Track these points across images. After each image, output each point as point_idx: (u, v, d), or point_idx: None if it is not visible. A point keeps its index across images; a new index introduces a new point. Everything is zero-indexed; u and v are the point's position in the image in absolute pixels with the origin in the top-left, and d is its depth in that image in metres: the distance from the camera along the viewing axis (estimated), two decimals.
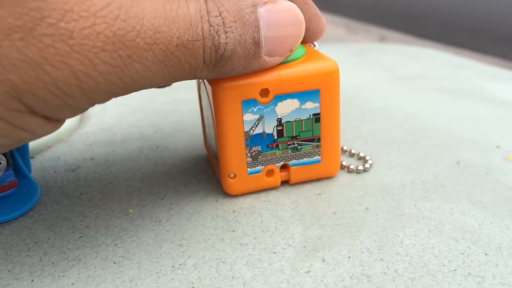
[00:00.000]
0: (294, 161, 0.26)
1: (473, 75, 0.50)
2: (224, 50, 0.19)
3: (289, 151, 0.26)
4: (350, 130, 0.33)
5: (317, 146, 0.26)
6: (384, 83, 0.45)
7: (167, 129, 0.35)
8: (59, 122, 0.19)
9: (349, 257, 0.21)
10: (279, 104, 0.24)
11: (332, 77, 0.24)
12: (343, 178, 0.27)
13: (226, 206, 0.25)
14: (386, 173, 0.28)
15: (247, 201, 0.25)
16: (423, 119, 0.35)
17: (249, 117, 0.24)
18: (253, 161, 0.25)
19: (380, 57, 0.58)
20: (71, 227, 0.24)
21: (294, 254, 0.21)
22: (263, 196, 0.26)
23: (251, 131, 0.24)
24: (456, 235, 0.22)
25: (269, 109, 0.24)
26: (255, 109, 0.24)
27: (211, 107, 0.25)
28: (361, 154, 0.29)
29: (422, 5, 3.51)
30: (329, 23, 2.92)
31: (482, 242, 0.21)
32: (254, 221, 0.24)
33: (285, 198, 0.26)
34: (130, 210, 0.25)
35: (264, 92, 0.24)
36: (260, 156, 0.25)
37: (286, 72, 0.23)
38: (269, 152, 0.25)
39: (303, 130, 0.25)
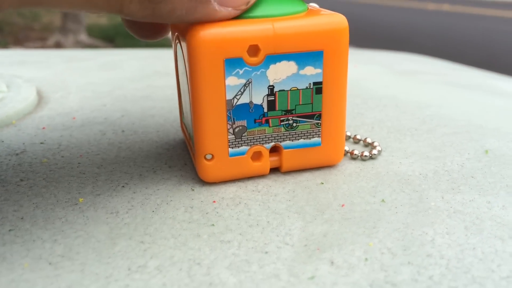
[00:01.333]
0: (287, 143, 0.21)
1: (476, 75, 0.46)
2: None
3: (282, 129, 0.20)
4: (352, 118, 0.28)
5: (317, 125, 0.20)
6: (385, 76, 0.41)
7: (137, 114, 0.30)
8: None
9: (366, 259, 0.16)
10: (272, 66, 0.19)
11: (340, 35, 0.19)
12: (348, 165, 0.22)
13: (204, 195, 0.20)
14: (401, 161, 0.23)
15: (231, 190, 0.20)
16: (436, 108, 0.30)
17: (233, 81, 0.19)
18: (236, 140, 0.20)
19: (374, 56, 0.54)
20: (1, 218, 0.18)
21: (292, 254, 0.16)
22: (250, 185, 0.21)
23: (235, 100, 0.19)
24: (501, 234, 0.17)
25: (258, 73, 0.19)
26: (240, 71, 0.19)
27: (186, 71, 0.19)
28: (368, 140, 0.24)
29: (401, 32, 3.54)
30: None
31: None
32: (240, 213, 0.18)
33: (279, 187, 0.20)
34: (80, 199, 0.19)
35: (253, 50, 0.19)
36: (245, 134, 0.20)
37: (282, 25, 0.18)
38: (256, 129, 0.20)
39: (301, 103, 0.20)
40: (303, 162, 0.21)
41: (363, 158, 0.23)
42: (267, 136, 0.20)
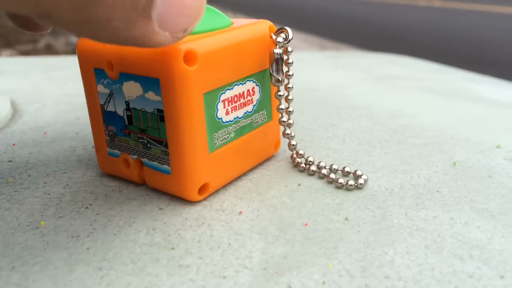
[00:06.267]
0: (146, 160, 0.21)
1: (456, 78, 0.46)
2: None
3: (140, 145, 0.20)
4: (324, 129, 0.28)
5: (166, 153, 0.20)
6: (363, 82, 0.41)
7: None
8: None
9: (324, 282, 0.16)
10: (125, 83, 0.20)
11: (173, 63, 0.17)
12: (316, 182, 0.22)
13: (168, 216, 0.20)
14: (368, 176, 0.23)
15: (196, 209, 0.20)
16: (408, 117, 0.30)
17: (102, 89, 0.21)
18: (111, 142, 0.22)
19: (356, 60, 0.54)
20: None
21: (250, 279, 0.16)
22: (216, 204, 0.20)
23: (105, 106, 0.21)
24: (461, 253, 0.17)
25: (117, 86, 0.20)
26: (105, 82, 0.20)
27: None
28: (347, 169, 0.23)
29: (394, 28, 3.55)
30: (303, 41, 2.92)
31: (495, 261, 0.17)
32: (202, 235, 0.18)
33: (244, 205, 0.20)
34: (42, 223, 0.19)
35: (109, 65, 0.20)
36: (116, 139, 0.21)
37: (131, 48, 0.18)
38: (123, 138, 0.21)
39: (150, 125, 0.20)
40: (159, 185, 0.21)
41: (348, 188, 0.21)
42: (131, 148, 0.21)
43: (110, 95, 0.20)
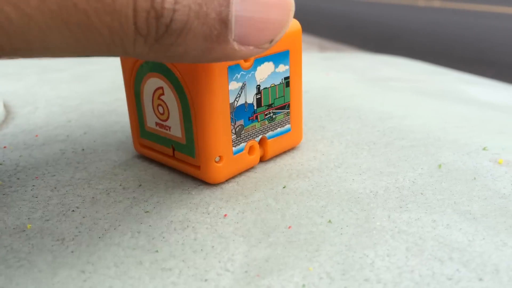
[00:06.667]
0: (270, 133, 0.24)
1: (449, 79, 0.46)
2: (172, 21, 0.13)
3: (266, 121, 0.23)
4: (313, 131, 0.29)
5: (287, 114, 0.24)
6: (355, 84, 0.41)
7: (100, 130, 0.30)
8: None
9: (303, 285, 0.16)
10: (258, 68, 0.22)
11: (298, 36, 0.23)
12: (302, 184, 0.22)
13: (154, 219, 0.20)
14: (354, 178, 0.23)
15: (181, 212, 0.20)
16: (397, 119, 0.30)
17: (234, 85, 0.21)
18: (237, 138, 0.22)
19: (351, 61, 0.54)
20: None
21: (231, 282, 0.16)
22: (201, 206, 0.21)
23: (236, 103, 0.21)
24: (441, 255, 0.17)
25: (250, 75, 0.22)
26: (238, 76, 0.21)
27: (178, 84, 0.21)
28: None
29: (394, 28, 3.55)
30: (303, 42, 2.92)
31: (475, 263, 0.17)
32: (186, 238, 0.19)
33: (229, 208, 0.20)
34: (29, 226, 0.19)
35: None
36: (243, 131, 0.22)
37: None
38: (250, 126, 0.23)
39: (277, 96, 0.23)
40: (280, 148, 0.25)
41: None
42: (256, 131, 0.23)
43: (242, 87, 0.21)
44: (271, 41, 0.16)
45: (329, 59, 0.55)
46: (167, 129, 0.23)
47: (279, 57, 0.23)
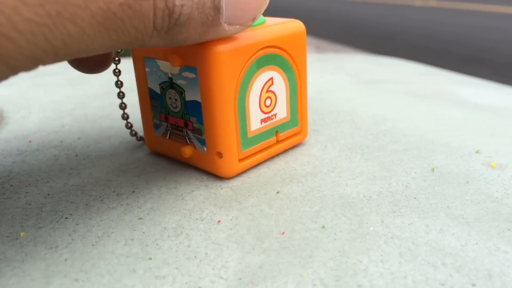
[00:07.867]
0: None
1: (443, 81, 0.46)
2: (180, 15, 0.16)
3: None
4: (307, 135, 0.29)
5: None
6: (349, 86, 0.41)
7: (94, 136, 0.30)
8: None
9: None
10: None
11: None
12: (296, 188, 0.22)
13: (147, 226, 0.20)
14: (347, 182, 0.23)
15: (175, 219, 0.20)
16: (391, 123, 0.30)
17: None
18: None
19: (346, 63, 0.55)
20: None
21: None
22: (195, 213, 0.21)
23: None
24: (434, 260, 0.17)
25: None
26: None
27: (287, 66, 0.24)
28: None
29: (392, 28, 3.56)
30: None
31: (467, 268, 0.17)
32: (180, 245, 0.19)
33: (223, 214, 0.20)
34: (22, 234, 0.19)
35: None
36: None
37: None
38: None
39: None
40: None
41: None
42: None
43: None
44: (253, 19, 0.19)
45: (323, 61, 0.55)
46: (272, 119, 0.24)
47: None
